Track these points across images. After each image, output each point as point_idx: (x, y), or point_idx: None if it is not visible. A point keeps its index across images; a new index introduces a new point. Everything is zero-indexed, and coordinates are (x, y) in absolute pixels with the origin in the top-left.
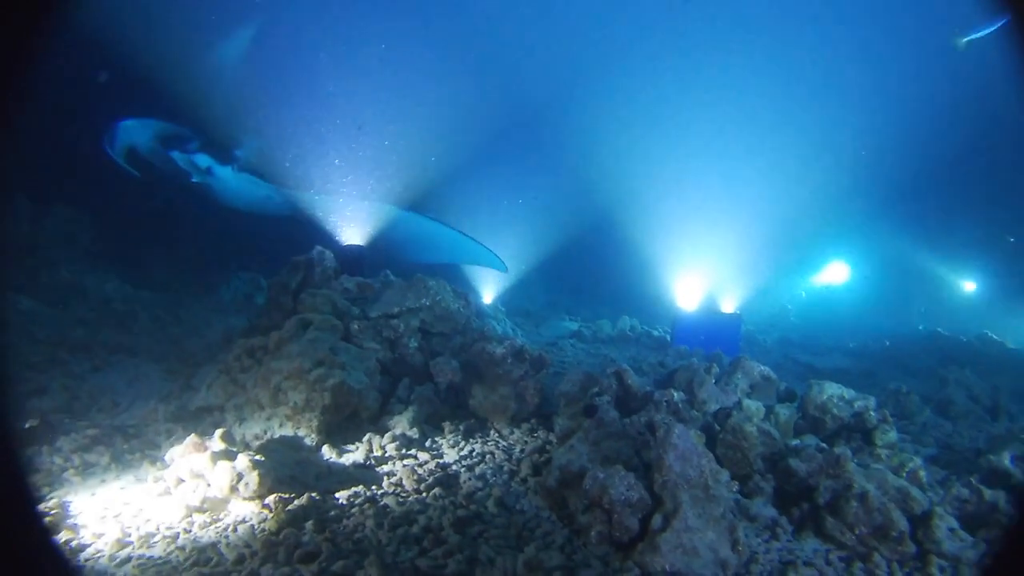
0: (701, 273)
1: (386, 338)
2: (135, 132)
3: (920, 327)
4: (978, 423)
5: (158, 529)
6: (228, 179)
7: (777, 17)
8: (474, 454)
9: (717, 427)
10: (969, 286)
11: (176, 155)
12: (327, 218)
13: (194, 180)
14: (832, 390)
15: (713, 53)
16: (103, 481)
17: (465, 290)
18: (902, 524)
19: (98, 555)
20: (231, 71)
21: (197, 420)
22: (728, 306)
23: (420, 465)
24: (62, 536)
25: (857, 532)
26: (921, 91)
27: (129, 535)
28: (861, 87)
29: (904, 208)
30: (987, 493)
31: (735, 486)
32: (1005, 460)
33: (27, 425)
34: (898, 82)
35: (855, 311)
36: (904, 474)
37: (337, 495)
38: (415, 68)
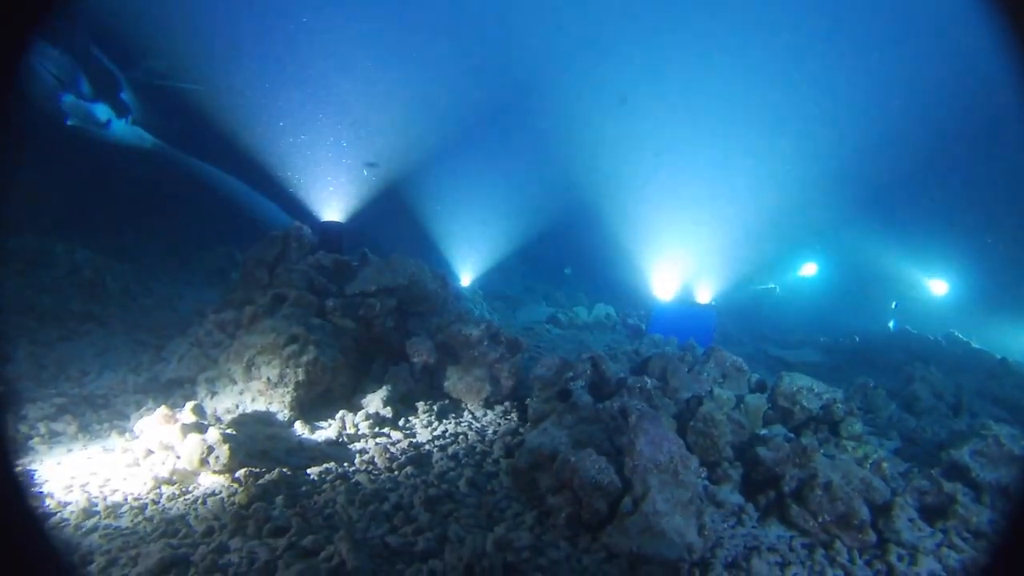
0: (678, 264)
1: (362, 316)
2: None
3: (891, 324)
4: (941, 419)
5: (126, 500)
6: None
7: (755, 20)
8: (447, 434)
9: (688, 414)
10: (940, 287)
11: (67, 99)
12: None
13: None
14: (802, 382)
15: (693, 48)
16: (70, 451)
17: (443, 271)
18: (864, 513)
19: (63, 524)
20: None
21: (167, 392)
22: (704, 297)
23: (393, 444)
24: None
25: (820, 520)
26: (892, 94)
27: (96, 505)
28: (837, 88)
29: (874, 210)
30: (946, 485)
31: (703, 472)
32: (964, 455)
33: None
34: (871, 84)
35: (826, 308)
36: (868, 465)
37: (308, 471)
38: (389, 50)
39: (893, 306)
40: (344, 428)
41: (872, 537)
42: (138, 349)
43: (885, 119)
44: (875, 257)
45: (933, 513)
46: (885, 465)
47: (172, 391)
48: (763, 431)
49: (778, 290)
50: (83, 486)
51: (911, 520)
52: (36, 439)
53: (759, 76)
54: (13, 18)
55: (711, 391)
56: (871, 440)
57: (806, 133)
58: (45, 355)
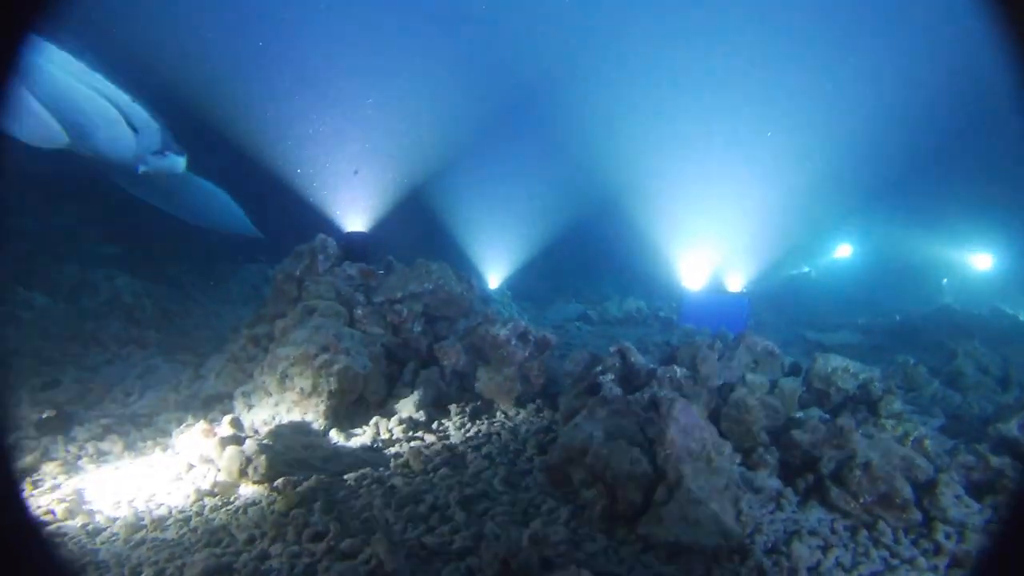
0: (707, 253)
1: (390, 323)
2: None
3: (946, 301)
4: (988, 394)
5: (170, 513)
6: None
7: (775, 4)
8: (480, 435)
9: (721, 401)
10: (984, 262)
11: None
12: None
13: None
14: (836, 362)
15: (713, 29)
16: (117, 468)
17: (468, 274)
18: (907, 492)
19: (113, 538)
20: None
21: (207, 408)
22: (735, 285)
23: (427, 447)
24: (78, 520)
25: (862, 501)
26: (916, 66)
27: (143, 519)
28: (859, 64)
29: (904, 187)
30: (993, 460)
31: (738, 459)
32: (1013, 428)
33: (43, 416)
34: (892, 57)
35: (865, 289)
36: (909, 443)
37: (345, 477)
38: (410, 58)
39: (944, 283)
40: (378, 434)
41: (917, 516)
42: (178, 368)
43: (909, 93)
44: (911, 235)
45: (981, 489)
46: (927, 442)
47: (211, 406)
48: (799, 414)
49: (813, 274)
50: (130, 502)
51: (957, 497)
52: (85, 459)
53: (778, 56)
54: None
55: (743, 377)
56: (913, 418)
57: (829, 111)
58: (91, 379)
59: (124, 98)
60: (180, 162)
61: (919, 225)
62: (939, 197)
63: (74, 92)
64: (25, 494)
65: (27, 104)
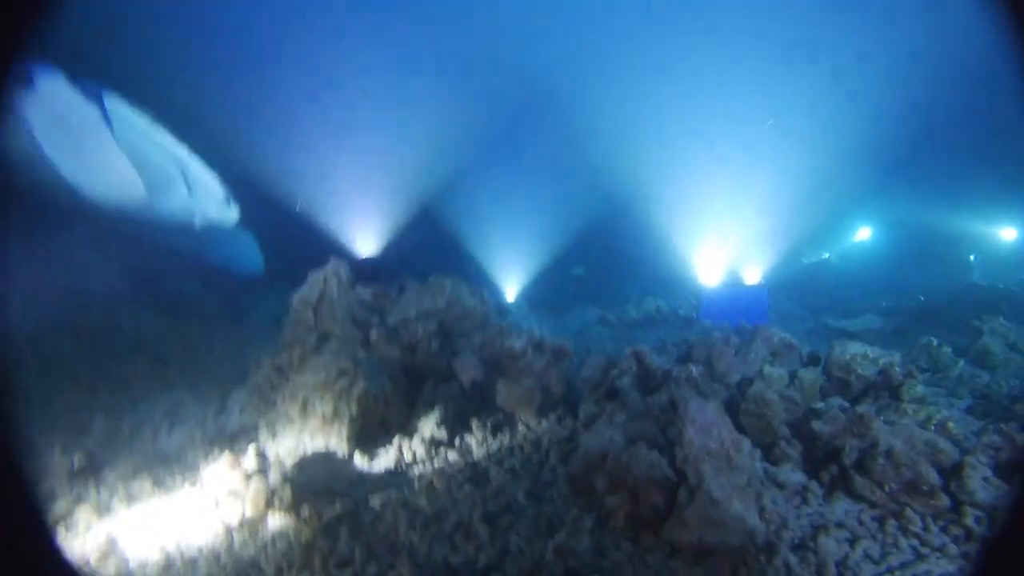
0: (724, 247)
1: (407, 343)
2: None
3: (974, 278)
4: (1018, 372)
5: (200, 551)
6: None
7: None
8: (503, 448)
9: (739, 397)
10: (1010, 234)
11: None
12: None
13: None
14: (855, 349)
15: (719, 12)
16: (147, 508)
17: (482, 287)
18: (932, 477)
19: None
20: None
21: (233, 441)
22: (752, 277)
23: (450, 464)
24: (111, 565)
25: (887, 489)
26: (926, 39)
27: (174, 559)
28: (864, 38)
29: (926, 159)
30: (1020, 439)
31: (759, 454)
32: None
33: (74, 462)
34: (900, 31)
35: (888, 270)
36: (932, 427)
37: (370, 500)
38: (416, 64)
39: (972, 259)
40: (401, 455)
41: (945, 501)
42: (204, 403)
43: (917, 66)
44: (932, 211)
45: (1010, 469)
46: (951, 425)
47: (238, 439)
48: (820, 405)
49: (833, 259)
50: (161, 541)
51: (985, 479)
52: (117, 500)
53: (783, 40)
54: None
55: (761, 371)
56: (937, 401)
57: (838, 89)
58: (119, 421)
59: (184, 152)
60: (233, 213)
61: (939, 198)
62: (957, 169)
63: (147, 148)
64: (60, 542)
65: (109, 160)
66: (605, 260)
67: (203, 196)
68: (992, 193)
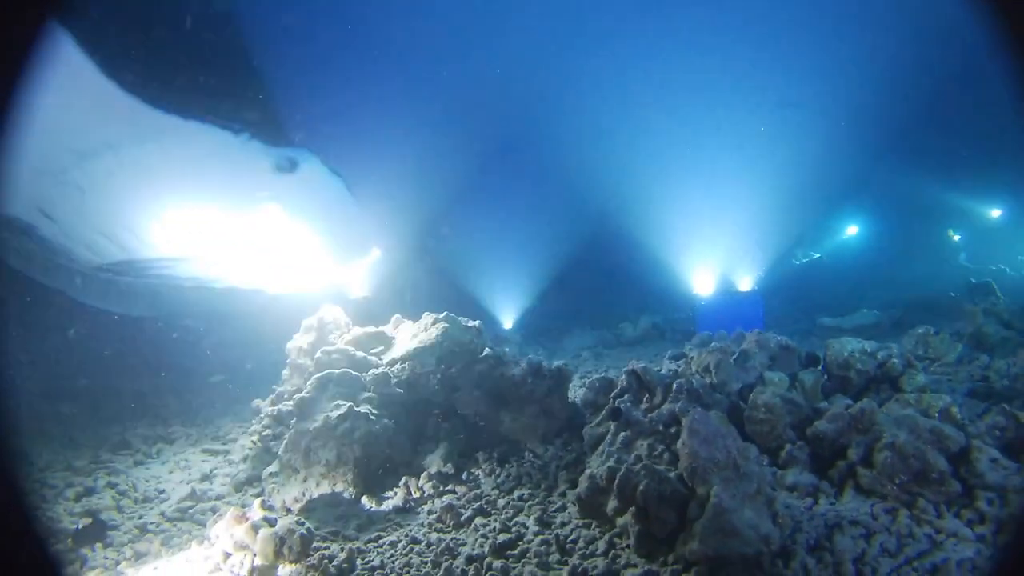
0: (713, 257)
1: (406, 380)
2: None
3: (961, 257)
4: (1015, 349)
5: None
6: None
7: None
8: (510, 478)
9: (742, 405)
10: (996, 213)
11: None
12: None
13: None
14: (851, 346)
15: (698, 25)
16: (155, 568)
17: (476, 320)
18: (941, 464)
19: None
20: None
21: (240, 493)
22: (745, 284)
23: (458, 498)
24: None
25: (897, 481)
26: (908, 19)
27: None
28: (846, 23)
29: (911, 146)
30: (1023, 416)
31: (766, 460)
32: None
33: (79, 526)
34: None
35: (881, 262)
36: (935, 414)
37: (380, 541)
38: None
39: (956, 238)
40: (409, 493)
41: (956, 487)
42: (208, 458)
43: (900, 50)
44: (921, 192)
45: (1017, 448)
46: (954, 410)
47: (244, 491)
48: (823, 404)
49: (824, 258)
50: None
51: (993, 460)
52: (124, 563)
53: (766, 37)
54: None
55: (761, 376)
56: (941, 387)
57: (817, 81)
58: (123, 482)
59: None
60: None
61: (929, 175)
62: (947, 144)
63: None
64: None
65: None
66: (602, 281)
67: None
68: (982, 168)
